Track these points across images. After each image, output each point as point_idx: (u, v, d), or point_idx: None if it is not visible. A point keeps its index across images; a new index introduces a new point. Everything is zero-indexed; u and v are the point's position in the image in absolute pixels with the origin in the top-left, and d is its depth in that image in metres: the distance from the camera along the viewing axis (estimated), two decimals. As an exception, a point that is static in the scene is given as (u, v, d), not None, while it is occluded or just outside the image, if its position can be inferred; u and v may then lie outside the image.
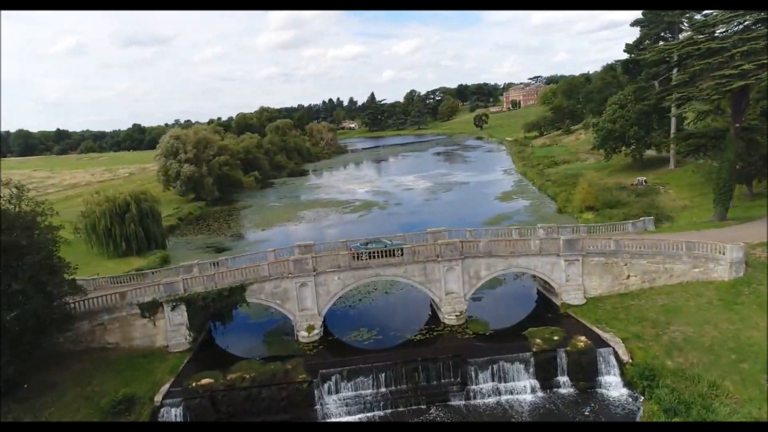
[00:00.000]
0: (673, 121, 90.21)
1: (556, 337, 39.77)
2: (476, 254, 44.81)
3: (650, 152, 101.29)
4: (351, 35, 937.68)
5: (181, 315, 42.77)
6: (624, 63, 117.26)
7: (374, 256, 44.55)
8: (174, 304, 42.50)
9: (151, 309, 42.54)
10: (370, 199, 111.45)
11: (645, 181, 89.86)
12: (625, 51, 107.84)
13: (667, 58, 68.86)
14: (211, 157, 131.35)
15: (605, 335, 39.43)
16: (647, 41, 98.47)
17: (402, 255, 44.62)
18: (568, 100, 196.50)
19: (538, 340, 39.58)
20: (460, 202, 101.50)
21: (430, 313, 47.72)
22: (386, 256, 44.66)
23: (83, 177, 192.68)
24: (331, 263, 44.21)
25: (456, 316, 44.23)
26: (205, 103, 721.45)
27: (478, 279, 45.24)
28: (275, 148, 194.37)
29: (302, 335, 43.54)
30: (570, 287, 45.14)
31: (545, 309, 46.54)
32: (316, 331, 43.65)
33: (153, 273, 49.39)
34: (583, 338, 39.29)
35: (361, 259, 44.60)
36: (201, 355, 42.78)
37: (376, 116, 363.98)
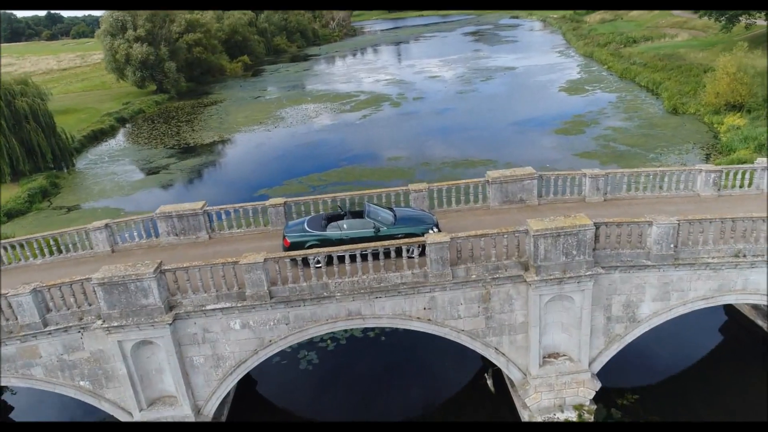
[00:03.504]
0: None
1: None
2: (636, 260, 15.98)
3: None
4: None
5: None
6: None
7: (343, 259, 16.24)
8: None
9: None
10: (381, 92, 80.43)
11: (798, 62, 58.16)
12: None
13: None
14: (175, 36, 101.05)
15: None
16: None
17: (422, 254, 16.19)
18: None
19: None
20: (508, 96, 70.09)
21: (490, 384, 19.63)
22: (376, 258, 16.23)
23: (47, 64, 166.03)
24: (221, 286, 15.94)
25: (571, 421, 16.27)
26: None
27: (632, 323, 16.50)
28: (273, 28, 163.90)
29: (152, 470, 16.38)
30: None
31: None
32: (188, 462, 16.41)
33: None
34: None
35: (312, 267, 16.31)
36: None
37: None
